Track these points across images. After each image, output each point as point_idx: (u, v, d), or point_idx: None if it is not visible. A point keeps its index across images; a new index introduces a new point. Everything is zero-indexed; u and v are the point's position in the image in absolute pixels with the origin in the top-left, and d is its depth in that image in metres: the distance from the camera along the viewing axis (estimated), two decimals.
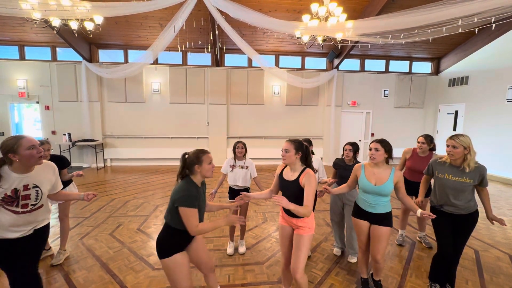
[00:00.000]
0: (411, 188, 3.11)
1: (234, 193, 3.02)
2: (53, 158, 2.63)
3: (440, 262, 2.34)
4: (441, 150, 3.44)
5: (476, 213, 2.23)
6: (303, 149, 2.01)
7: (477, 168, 2.12)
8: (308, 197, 1.87)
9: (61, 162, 2.72)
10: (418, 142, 3.11)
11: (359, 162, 2.90)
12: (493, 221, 2.19)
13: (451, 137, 2.17)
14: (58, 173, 1.95)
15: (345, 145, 2.89)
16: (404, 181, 3.04)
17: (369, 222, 2.25)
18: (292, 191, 1.99)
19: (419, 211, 2.09)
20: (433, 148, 3.15)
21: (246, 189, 3.01)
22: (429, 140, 3.09)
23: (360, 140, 8.75)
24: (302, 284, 1.93)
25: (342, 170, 2.87)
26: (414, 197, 3.22)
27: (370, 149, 2.22)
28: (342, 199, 2.93)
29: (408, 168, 3.21)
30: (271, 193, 2.20)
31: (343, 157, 2.93)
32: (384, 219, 2.19)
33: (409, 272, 2.72)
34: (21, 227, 1.71)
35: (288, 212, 2.01)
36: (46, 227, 1.91)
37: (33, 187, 1.71)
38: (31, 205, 1.72)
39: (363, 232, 2.29)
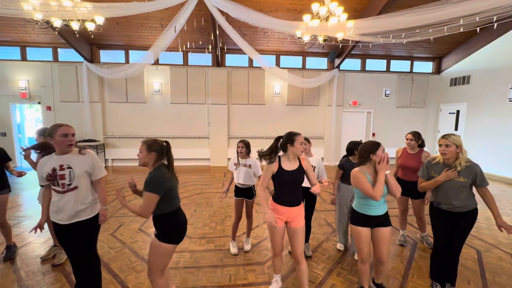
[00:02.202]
0: (405, 188, 3.05)
1: (238, 190, 3.05)
2: None
3: (436, 258, 2.35)
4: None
5: (474, 211, 2.21)
6: (280, 139, 2.25)
7: (468, 166, 2.12)
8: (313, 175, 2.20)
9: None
10: (407, 139, 3.13)
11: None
12: (502, 229, 2.09)
13: (443, 137, 2.18)
14: (97, 161, 2.10)
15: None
16: (398, 181, 3.05)
17: (370, 227, 2.15)
18: (298, 178, 2.17)
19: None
20: (421, 145, 3.15)
21: (250, 188, 3.02)
22: (417, 136, 3.10)
23: (361, 140, 8.71)
24: (302, 264, 2.14)
25: (350, 169, 2.89)
26: (408, 198, 3.22)
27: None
28: (351, 197, 2.96)
29: (399, 167, 3.23)
30: (267, 190, 2.33)
31: (348, 157, 2.97)
32: (386, 219, 2.14)
33: (411, 272, 2.71)
34: (62, 210, 1.94)
35: (288, 203, 2.14)
36: (86, 223, 2.03)
37: (67, 168, 1.94)
38: (67, 185, 1.95)
39: (365, 241, 2.15)
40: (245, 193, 3.01)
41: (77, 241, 2.00)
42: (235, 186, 3.08)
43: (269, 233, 2.22)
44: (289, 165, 2.14)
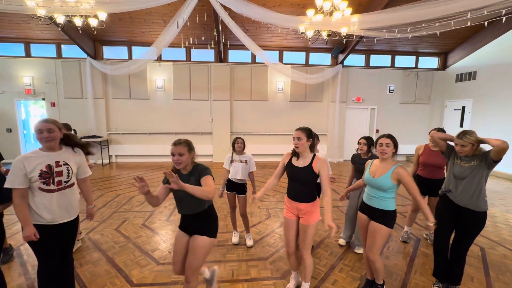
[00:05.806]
0: (426, 186, 3.05)
1: (232, 185, 3.10)
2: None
3: (437, 254, 2.36)
4: None
5: (483, 215, 2.13)
6: (312, 136, 2.14)
7: (481, 152, 2.15)
8: (327, 180, 2.07)
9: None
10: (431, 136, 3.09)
11: (375, 156, 2.90)
12: None
13: (458, 136, 2.17)
14: (84, 159, 2.09)
15: (359, 139, 2.93)
16: (418, 179, 2.99)
17: (368, 216, 2.21)
18: (306, 177, 2.10)
19: (429, 221, 1.96)
20: None
21: (244, 184, 3.09)
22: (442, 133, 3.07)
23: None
24: (306, 259, 2.16)
25: (358, 164, 2.94)
26: (426, 197, 3.15)
27: (381, 145, 2.12)
28: (360, 196, 2.96)
29: (421, 164, 3.12)
30: (277, 178, 2.30)
31: (358, 151, 2.98)
32: (380, 217, 2.10)
33: (413, 269, 2.71)
34: (55, 210, 1.84)
35: (293, 198, 2.17)
36: (76, 220, 2.05)
37: (64, 164, 1.88)
38: (64, 181, 1.88)
39: (362, 226, 2.28)
40: (238, 187, 3.08)
41: (64, 241, 1.95)
42: (228, 179, 3.13)
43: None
44: (299, 161, 2.15)
